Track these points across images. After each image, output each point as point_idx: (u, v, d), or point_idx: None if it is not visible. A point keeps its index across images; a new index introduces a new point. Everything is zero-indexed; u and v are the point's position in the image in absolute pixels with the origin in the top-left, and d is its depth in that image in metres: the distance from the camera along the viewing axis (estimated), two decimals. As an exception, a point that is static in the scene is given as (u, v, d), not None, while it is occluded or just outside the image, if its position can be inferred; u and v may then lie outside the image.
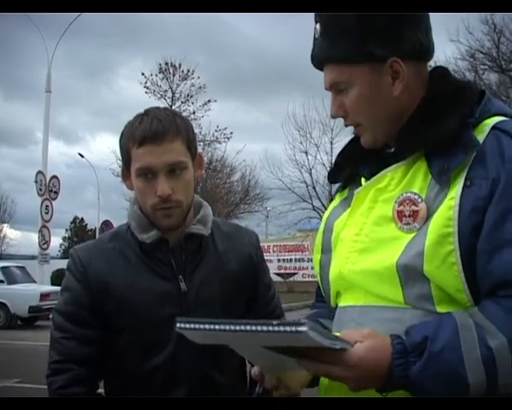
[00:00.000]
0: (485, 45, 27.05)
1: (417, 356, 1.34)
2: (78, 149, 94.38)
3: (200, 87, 33.26)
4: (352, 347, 1.33)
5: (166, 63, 33.08)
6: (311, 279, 35.22)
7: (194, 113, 32.87)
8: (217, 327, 1.32)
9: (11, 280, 19.55)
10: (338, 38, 1.57)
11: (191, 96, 33.36)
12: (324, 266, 1.71)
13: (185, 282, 1.99)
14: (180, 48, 62.79)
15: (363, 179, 1.67)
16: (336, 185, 1.87)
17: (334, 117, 1.68)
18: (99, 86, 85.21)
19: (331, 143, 31.23)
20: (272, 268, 32.48)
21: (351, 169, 1.73)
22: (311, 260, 37.67)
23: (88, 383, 1.95)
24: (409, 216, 1.48)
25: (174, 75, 33.33)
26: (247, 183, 37.11)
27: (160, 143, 1.89)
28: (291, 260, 38.80)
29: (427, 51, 1.62)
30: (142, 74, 33.12)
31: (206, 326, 1.34)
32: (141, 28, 68.06)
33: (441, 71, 1.68)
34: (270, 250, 36.09)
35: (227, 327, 1.30)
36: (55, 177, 24.30)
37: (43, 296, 19.08)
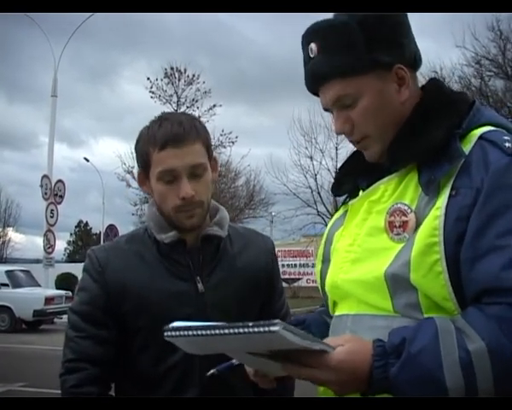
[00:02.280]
0: (492, 52, 27.01)
1: (396, 358, 1.35)
2: (82, 153, 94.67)
3: (206, 92, 33.33)
4: (334, 350, 1.35)
5: (172, 68, 33.15)
6: (315, 285, 34.79)
7: (199, 117, 32.84)
8: (202, 332, 1.32)
9: (16, 284, 19.58)
10: (341, 50, 1.56)
11: (196, 101, 33.44)
12: (324, 276, 1.74)
13: (202, 283, 2.01)
14: (184, 51, 62.98)
15: (361, 192, 1.70)
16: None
17: (339, 133, 1.68)
18: (102, 89, 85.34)
19: (336, 149, 31.24)
20: (277, 273, 32.40)
21: (351, 183, 1.76)
22: (315, 265, 37.45)
23: (101, 384, 1.97)
24: (399, 226, 1.50)
25: (179, 80, 33.40)
26: (252, 188, 37.09)
27: (182, 145, 1.92)
28: (295, 265, 38.79)
29: (419, 60, 1.66)
30: (148, 79, 33.19)
31: (190, 332, 1.34)
32: (144, 31, 68.19)
33: (435, 82, 1.71)
34: (275, 255, 35.97)
35: (204, 332, 1.31)
36: (60, 181, 24.35)
37: (48, 300, 19.12)
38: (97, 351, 1.96)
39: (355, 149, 1.75)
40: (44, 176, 23.48)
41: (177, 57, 72.67)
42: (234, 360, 1.65)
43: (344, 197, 1.82)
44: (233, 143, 33.61)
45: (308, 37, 1.62)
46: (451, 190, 1.45)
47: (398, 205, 1.52)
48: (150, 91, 33.16)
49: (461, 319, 1.37)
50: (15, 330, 18.33)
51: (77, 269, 35.93)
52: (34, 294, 19.30)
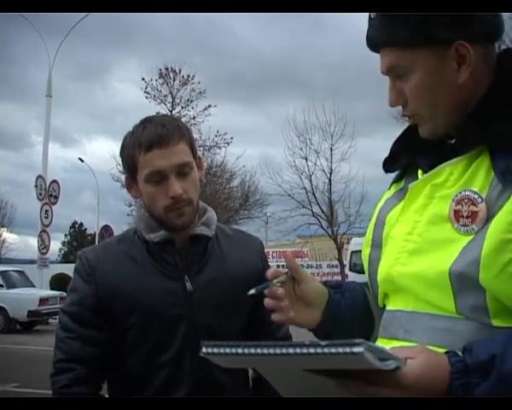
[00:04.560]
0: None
1: (481, 377, 1.18)
2: (75, 152, 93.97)
3: (201, 92, 33.32)
4: (405, 365, 1.18)
5: (167, 68, 33.12)
6: (310, 285, 35.12)
7: (194, 118, 32.91)
8: (256, 351, 1.16)
9: (10, 284, 19.54)
10: (397, 18, 1.42)
11: (191, 101, 33.41)
12: (373, 263, 1.59)
13: (191, 282, 2.02)
14: (177, 50, 62.84)
15: (419, 172, 1.53)
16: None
17: (393, 106, 1.53)
18: (94, 88, 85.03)
19: (331, 150, 31.20)
20: (272, 274, 32.36)
21: (408, 158, 1.58)
22: (310, 266, 37.72)
23: (91, 384, 1.98)
24: (467, 217, 1.34)
25: (174, 80, 33.38)
26: (247, 188, 37.09)
27: (167, 146, 1.95)
28: (290, 266, 38.74)
29: (497, 31, 1.46)
30: (143, 79, 33.17)
31: (240, 350, 1.19)
32: (136, 30, 68.04)
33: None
34: (270, 256, 35.89)
35: (267, 351, 1.15)
36: (54, 181, 24.31)
37: (43, 301, 19.08)
38: (87, 351, 1.97)
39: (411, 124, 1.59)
40: (39, 176, 23.44)
41: (170, 56, 72.66)
42: (270, 282, 1.53)
43: (395, 175, 1.66)
44: (228, 143, 33.62)
45: None
46: None
47: (467, 192, 1.35)
48: (145, 92, 33.16)
49: None
50: (10, 331, 18.27)
51: (71, 270, 35.65)
52: (28, 294, 19.26)
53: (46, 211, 23.32)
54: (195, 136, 32.20)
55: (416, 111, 1.49)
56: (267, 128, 72.48)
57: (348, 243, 29.89)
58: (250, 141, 72.12)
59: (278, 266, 38.19)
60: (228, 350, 1.21)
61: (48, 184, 23.50)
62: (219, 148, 33.64)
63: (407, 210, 1.50)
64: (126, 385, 2.03)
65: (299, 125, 31.66)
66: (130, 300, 1.98)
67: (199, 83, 33.39)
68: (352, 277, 25.54)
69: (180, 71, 33.23)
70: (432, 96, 1.44)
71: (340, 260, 31.51)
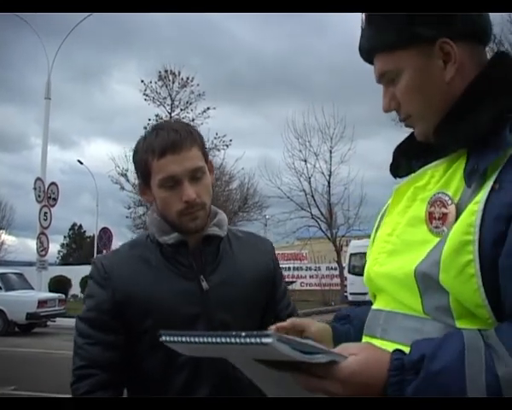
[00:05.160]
0: (485, 55, 27.13)
1: (414, 375, 1.20)
2: (73, 154, 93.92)
3: (200, 94, 33.35)
4: (345, 360, 1.22)
5: (166, 70, 33.16)
6: (309, 288, 35.18)
7: (193, 120, 32.90)
8: (197, 339, 1.27)
9: (9, 287, 19.52)
10: (383, 24, 1.47)
11: (190, 104, 33.44)
12: None
13: (206, 281, 2.05)
14: (175, 52, 62.80)
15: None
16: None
17: (386, 111, 1.56)
18: (93, 90, 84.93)
19: (330, 152, 31.29)
20: (270, 276, 32.36)
21: (406, 163, 1.60)
22: (309, 268, 37.77)
23: (112, 388, 2.00)
24: (438, 219, 1.36)
25: (173, 82, 33.40)
26: (246, 191, 37.08)
27: (180, 151, 1.99)
28: (289, 268, 38.69)
29: (482, 32, 1.48)
30: (142, 81, 33.19)
31: (184, 339, 1.30)
32: (134, 32, 68.09)
33: (500, 56, 1.49)
34: (269, 258, 35.89)
35: (202, 339, 1.26)
36: (53, 183, 24.31)
37: (41, 303, 19.06)
38: (106, 356, 2.00)
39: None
40: (38, 179, 23.43)
41: (169, 59, 72.49)
42: None
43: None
44: (227, 146, 33.63)
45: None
46: (494, 183, 1.29)
47: (440, 195, 1.37)
48: (144, 94, 33.18)
49: (493, 335, 1.21)
50: (8, 334, 18.23)
51: (70, 272, 35.90)
52: (27, 297, 19.24)
53: (45, 213, 23.31)
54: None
55: (408, 112, 1.51)
56: (266, 130, 72.58)
57: (347, 245, 29.93)
58: (249, 143, 72.06)
59: (277, 268, 37.93)
60: (178, 339, 1.31)
61: (47, 187, 23.50)
62: (218, 150, 33.66)
63: (392, 212, 1.54)
64: (145, 389, 2.05)
65: (298, 127, 31.85)
66: (147, 303, 2.00)
67: (198, 85, 33.46)
68: (351, 279, 25.61)
69: (179, 73, 33.31)
70: (422, 95, 1.47)
71: (339, 262, 31.56)
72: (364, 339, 1.51)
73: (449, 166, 1.41)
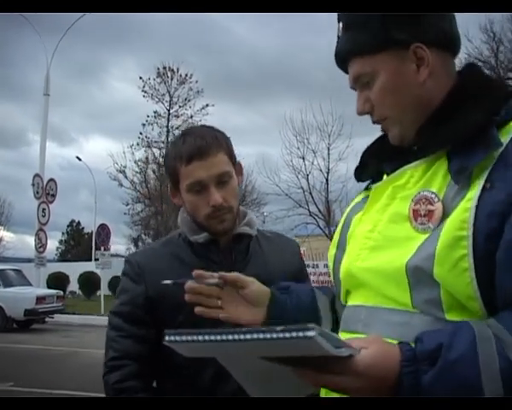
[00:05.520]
0: (484, 53, 27.16)
1: (429, 365, 1.24)
2: (72, 151, 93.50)
3: (198, 91, 33.38)
4: (359, 353, 1.23)
5: (164, 67, 33.21)
6: (307, 285, 35.11)
7: (191, 117, 32.98)
8: (216, 337, 1.20)
9: (7, 283, 19.54)
10: (359, 29, 1.53)
11: (189, 100, 33.48)
12: (337, 263, 1.67)
13: None
14: (173, 49, 62.48)
15: (385, 176, 1.62)
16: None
17: (360, 114, 1.61)
18: (91, 87, 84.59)
19: (328, 149, 31.19)
20: (269, 273, 32.37)
21: (375, 166, 1.67)
22: (307, 265, 37.47)
23: (143, 378, 2.09)
24: (424, 216, 1.41)
25: (172, 79, 33.42)
26: (244, 188, 37.07)
27: (207, 157, 2.06)
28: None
29: (452, 41, 1.56)
30: (140, 78, 33.20)
31: (200, 337, 1.23)
32: (133, 28, 67.75)
33: (472, 67, 1.62)
34: (267, 256, 35.93)
35: (226, 337, 1.18)
36: (52, 180, 24.32)
37: (39, 300, 19.09)
38: (138, 349, 2.09)
39: (381, 133, 1.68)
40: (36, 175, 23.44)
41: (168, 55, 72.46)
42: (188, 280, 1.74)
43: (367, 183, 1.74)
44: (226, 143, 33.60)
45: (338, 16, 1.61)
46: (486, 182, 1.35)
47: (425, 193, 1.43)
48: (143, 91, 33.19)
49: (497, 325, 1.27)
50: (6, 330, 18.25)
51: (68, 268, 35.86)
52: (25, 293, 19.25)
53: (43, 209, 23.32)
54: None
55: (383, 115, 1.57)
56: (264, 127, 72.40)
57: (345, 242, 29.87)
58: (247, 140, 71.99)
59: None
60: (189, 338, 1.26)
61: (45, 183, 23.51)
62: (217, 147, 33.62)
63: (370, 210, 1.59)
64: (175, 382, 2.13)
65: (296, 124, 31.67)
66: (178, 298, 2.00)
67: (196, 82, 33.54)
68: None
69: (178, 70, 33.37)
70: (396, 97, 1.53)
71: (337, 259, 31.48)
72: (343, 336, 1.52)
73: (429, 167, 1.48)
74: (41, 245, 23.23)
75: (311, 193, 31.40)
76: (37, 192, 23.20)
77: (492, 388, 1.21)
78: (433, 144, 1.48)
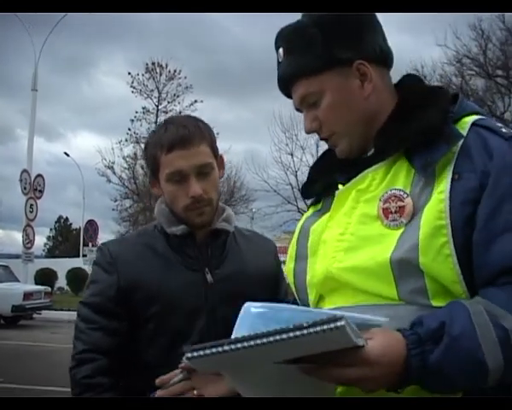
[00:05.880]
0: (473, 51, 27.24)
1: (433, 344, 1.31)
2: (60, 147, 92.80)
3: (187, 87, 33.32)
4: (367, 344, 1.26)
5: (153, 63, 33.12)
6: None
7: (180, 113, 32.84)
8: (242, 345, 1.15)
9: (-6, 279, 19.42)
10: (302, 51, 1.60)
11: (178, 96, 33.41)
12: (299, 274, 1.70)
13: (211, 275, 2.08)
14: (162, 44, 61.82)
15: (340, 186, 1.67)
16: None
17: (309, 132, 1.70)
18: (79, 82, 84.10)
19: (317, 146, 31.19)
20: (257, 270, 32.41)
21: (325, 181, 1.75)
22: (285, 264, 37.46)
23: (112, 374, 2.01)
24: (395, 212, 1.49)
25: (161, 75, 33.34)
26: (233, 184, 37.10)
27: (188, 147, 2.01)
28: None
29: (388, 57, 1.67)
30: (129, 74, 33.10)
31: (226, 347, 1.17)
32: (121, 23, 67.44)
33: (412, 76, 1.73)
34: (256, 252, 35.97)
35: (254, 342, 1.14)
36: (39, 176, 24.21)
37: (27, 296, 18.99)
38: (108, 342, 2.02)
39: (326, 148, 1.77)
40: (24, 171, 23.32)
41: (156, 50, 72.20)
42: (155, 392, 1.71)
43: (312, 199, 1.83)
44: (214, 139, 33.56)
45: (277, 42, 1.68)
46: (453, 174, 1.46)
47: (393, 191, 1.52)
48: (131, 86, 33.09)
49: (484, 301, 1.36)
50: (-6, 326, 18.17)
51: (56, 265, 35.72)
52: (13, 289, 19.13)
53: (31, 205, 23.22)
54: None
55: (331, 131, 1.65)
56: (253, 124, 72.36)
57: (334, 239, 29.94)
58: (236, 136, 71.88)
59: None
60: (214, 350, 1.19)
61: (33, 179, 23.40)
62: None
63: (336, 215, 1.64)
64: (144, 378, 1.99)
65: (285, 120, 31.84)
66: (152, 290, 2.02)
67: (185, 78, 33.49)
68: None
69: (166, 66, 33.29)
70: (343, 113, 1.62)
71: (325, 256, 31.56)
72: None
73: (389, 168, 1.56)
74: (28, 241, 23.13)
75: (299, 189, 31.41)
76: (25, 188, 23.08)
77: (493, 357, 1.30)
78: (391, 147, 1.56)
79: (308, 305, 1.67)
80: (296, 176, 31.57)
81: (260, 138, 74.95)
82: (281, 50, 1.65)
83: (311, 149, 31.48)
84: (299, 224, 1.79)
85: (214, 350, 1.19)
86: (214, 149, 2.11)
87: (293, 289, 1.76)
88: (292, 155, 31.90)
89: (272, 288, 2.22)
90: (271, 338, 1.13)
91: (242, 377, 1.37)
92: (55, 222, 73.20)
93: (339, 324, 1.11)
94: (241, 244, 2.23)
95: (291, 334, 1.12)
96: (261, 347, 1.15)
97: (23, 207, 23.14)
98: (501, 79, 27.60)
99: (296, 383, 1.30)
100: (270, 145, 35.40)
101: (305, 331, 1.11)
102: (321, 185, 1.77)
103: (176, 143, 2.01)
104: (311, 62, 1.59)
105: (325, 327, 1.11)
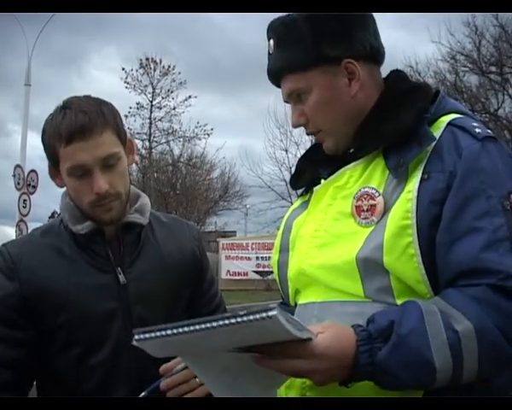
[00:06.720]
0: (467, 47, 27.30)
1: (383, 341, 1.32)
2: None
3: (181, 83, 33.26)
4: (316, 337, 1.29)
5: (147, 58, 33.02)
6: (289, 277, 35.15)
7: (174, 108, 32.86)
8: (183, 329, 1.21)
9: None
10: (291, 46, 1.61)
11: (172, 92, 33.34)
12: (282, 266, 1.74)
13: (124, 274, 1.89)
14: (155, 38, 61.55)
15: (322, 181, 1.69)
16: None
17: (295, 126, 1.70)
18: (71, 76, 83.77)
19: (311, 142, 31.24)
20: (251, 266, 32.49)
21: (311, 173, 1.76)
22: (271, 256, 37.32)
23: (17, 390, 1.82)
24: (367, 211, 1.50)
25: (155, 70, 33.27)
26: (227, 180, 37.13)
27: (89, 137, 1.77)
28: (270, 257, 38.60)
29: (378, 53, 1.67)
30: (123, 69, 33.02)
31: (168, 331, 1.23)
32: (116, 18, 66.93)
33: (397, 73, 1.72)
34: (249, 248, 35.94)
35: (193, 327, 1.20)
36: (33, 171, 24.10)
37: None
38: (12, 354, 1.81)
39: (315, 141, 1.78)
40: (17, 166, 23.24)
41: (150, 45, 72.13)
42: (161, 380, 1.67)
43: (301, 190, 1.83)
44: (208, 135, 33.59)
45: (268, 33, 1.68)
46: (423, 173, 1.46)
47: (366, 189, 1.53)
48: (125, 82, 33.01)
49: (441, 301, 1.36)
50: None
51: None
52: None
53: (24, 201, 23.12)
54: (176, 126, 32.14)
55: (318, 127, 1.66)
56: (248, 119, 72.33)
57: (327, 235, 29.96)
58: (230, 132, 71.88)
59: (258, 257, 38.08)
60: (158, 333, 1.25)
61: (26, 174, 23.31)
62: (199, 139, 33.64)
63: (313, 211, 1.66)
64: (57, 391, 1.87)
65: (279, 116, 31.90)
66: (59, 296, 1.83)
67: (179, 73, 33.39)
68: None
69: (160, 61, 33.19)
70: (330, 109, 1.62)
71: (319, 252, 31.60)
72: None
73: (366, 166, 1.57)
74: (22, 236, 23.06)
75: (293, 186, 31.45)
76: (18, 183, 22.97)
77: (442, 357, 1.30)
78: (368, 145, 1.57)
79: (288, 298, 1.72)
80: (290, 172, 31.52)
81: (254, 134, 75.12)
82: (271, 42, 1.66)
83: (306, 145, 31.41)
84: (285, 217, 1.81)
85: (158, 333, 1.25)
86: (121, 135, 1.86)
87: (277, 281, 1.78)
88: (286, 150, 31.99)
89: (195, 278, 2.05)
90: (208, 324, 1.18)
91: (202, 366, 1.41)
92: (49, 217, 72.81)
93: (270, 313, 1.14)
94: (159, 234, 2.01)
95: (226, 321, 1.17)
96: (200, 332, 1.20)
97: (16, 202, 23.06)
98: (495, 76, 27.66)
99: (253, 372, 1.34)
100: (264, 141, 35.65)
101: (239, 319, 1.16)
102: (309, 176, 1.78)
103: (75, 133, 1.75)
104: (299, 58, 1.60)
105: (257, 316, 1.15)
